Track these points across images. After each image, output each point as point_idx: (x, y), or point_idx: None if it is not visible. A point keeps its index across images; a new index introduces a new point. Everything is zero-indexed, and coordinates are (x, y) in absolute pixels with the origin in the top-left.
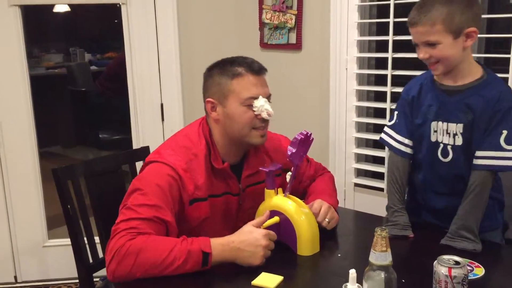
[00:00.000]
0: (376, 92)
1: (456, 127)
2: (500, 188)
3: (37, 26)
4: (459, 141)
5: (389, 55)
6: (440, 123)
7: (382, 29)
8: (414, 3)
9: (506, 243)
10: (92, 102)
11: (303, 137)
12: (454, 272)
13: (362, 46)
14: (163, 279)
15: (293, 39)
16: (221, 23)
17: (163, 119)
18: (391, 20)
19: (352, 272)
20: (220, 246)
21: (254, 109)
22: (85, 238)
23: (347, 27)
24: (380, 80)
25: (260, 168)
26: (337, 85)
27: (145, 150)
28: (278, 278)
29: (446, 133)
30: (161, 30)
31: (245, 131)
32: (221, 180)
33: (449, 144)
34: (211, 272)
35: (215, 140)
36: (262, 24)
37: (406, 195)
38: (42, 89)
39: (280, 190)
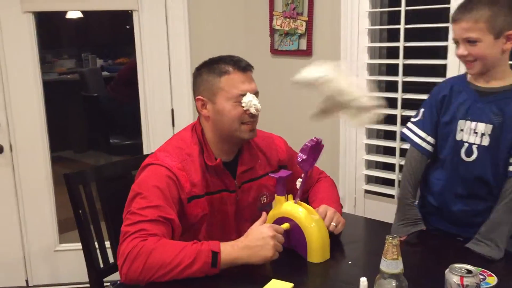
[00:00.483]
0: (386, 98)
1: (485, 128)
2: None
3: (50, 32)
4: (485, 141)
5: (400, 61)
6: (468, 122)
7: (392, 35)
8: (425, 9)
9: None
10: (104, 107)
11: (313, 143)
12: (466, 281)
13: (373, 53)
14: (171, 285)
15: (303, 45)
16: (232, 29)
17: (173, 125)
18: (402, 26)
19: (363, 281)
20: (229, 246)
21: (243, 104)
22: (96, 243)
23: (357, 33)
24: (391, 86)
25: (270, 175)
26: None
27: None
28: (288, 285)
29: (474, 133)
30: (172, 36)
31: (235, 126)
32: (216, 178)
33: (475, 144)
34: (221, 278)
35: (208, 138)
36: (272, 31)
37: (418, 197)
38: (54, 94)
39: (290, 196)
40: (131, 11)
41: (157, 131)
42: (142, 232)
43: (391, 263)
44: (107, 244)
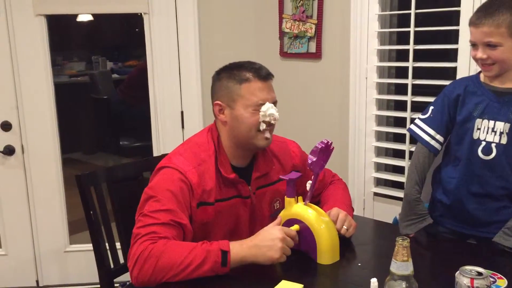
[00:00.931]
0: (396, 101)
1: (504, 126)
2: None
3: (60, 35)
4: (504, 140)
5: (410, 64)
6: (485, 121)
7: (402, 38)
8: (434, 12)
9: None
10: (114, 109)
11: (323, 145)
12: (477, 283)
13: (382, 55)
14: (182, 286)
15: (313, 48)
16: (242, 32)
17: (183, 127)
18: (411, 29)
19: (374, 281)
20: (238, 245)
21: (261, 113)
22: (106, 244)
23: (367, 36)
24: (400, 89)
25: (281, 177)
26: (357, 94)
27: None
28: (298, 286)
29: (492, 131)
30: (182, 39)
31: (251, 133)
32: (230, 185)
33: (494, 142)
34: (231, 279)
35: (223, 143)
36: (282, 33)
37: (428, 199)
38: (64, 96)
39: (300, 198)
40: (142, 14)
41: (167, 133)
42: (153, 235)
43: (402, 264)
44: (118, 245)
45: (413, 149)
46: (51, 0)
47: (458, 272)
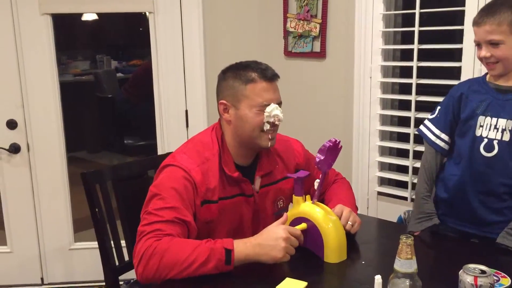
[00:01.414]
0: (400, 101)
1: (506, 123)
2: None
3: (65, 34)
4: (506, 137)
5: (414, 63)
6: (488, 118)
7: (407, 37)
8: (439, 12)
9: None
10: (118, 108)
11: (331, 144)
12: (480, 281)
13: (387, 55)
14: (186, 284)
15: (317, 47)
16: (246, 31)
17: (187, 126)
18: (416, 28)
19: (378, 278)
20: (242, 243)
21: (266, 114)
22: (111, 241)
23: (371, 35)
24: (405, 88)
25: (288, 175)
26: (361, 93)
27: None
28: (302, 284)
29: (494, 128)
30: (187, 38)
31: (255, 134)
32: (233, 184)
33: (496, 139)
34: (236, 276)
35: (227, 142)
36: (286, 33)
37: (433, 194)
38: (69, 95)
39: (308, 197)
40: (146, 13)
41: (171, 132)
42: (157, 232)
43: (405, 262)
44: (123, 243)
45: (416, 148)
46: None
47: (461, 270)
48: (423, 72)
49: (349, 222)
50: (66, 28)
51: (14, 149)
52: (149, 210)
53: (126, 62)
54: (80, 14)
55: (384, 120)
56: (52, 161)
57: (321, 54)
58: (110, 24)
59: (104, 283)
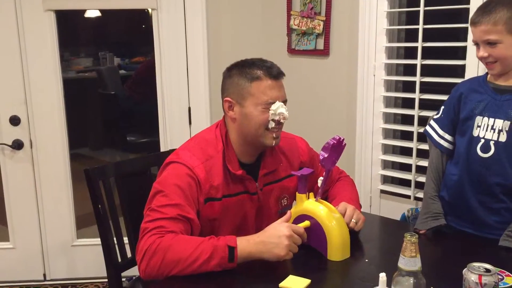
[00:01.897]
0: (403, 99)
1: (503, 124)
2: None
3: (68, 30)
4: (503, 137)
5: (418, 61)
6: (485, 118)
7: (411, 35)
8: (444, 10)
9: None
10: (121, 105)
11: (335, 142)
12: (485, 279)
13: (391, 53)
14: (190, 280)
15: (320, 45)
16: (249, 29)
17: (190, 123)
18: (420, 26)
19: (383, 276)
20: (245, 240)
21: (271, 112)
22: (114, 238)
23: (375, 33)
24: (408, 86)
25: (293, 172)
26: (364, 91)
27: None
28: (306, 281)
29: (491, 129)
30: (190, 35)
31: (260, 132)
32: (237, 182)
33: (492, 140)
34: (239, 273)
35: (231, 139)
36: (290, 30)
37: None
38: (72, 91)
39: (311, 194)
40: (149, 10)
41: (174, 129)
42: (160, 229)
43: (409, 260)
44: (125, 239)
45: (420, 146)
46: None
47: (466, 268)
48: (427, 70)
49: (353, 220)
50: (69, 25)
51: (17, 145)
52: (152, 207)
53: (129, 59)
54: (83, 11)
55: (388, 118)
56: (55, 157)
57: (325, 52)
58: (113, 21)
59: (106, 280)
